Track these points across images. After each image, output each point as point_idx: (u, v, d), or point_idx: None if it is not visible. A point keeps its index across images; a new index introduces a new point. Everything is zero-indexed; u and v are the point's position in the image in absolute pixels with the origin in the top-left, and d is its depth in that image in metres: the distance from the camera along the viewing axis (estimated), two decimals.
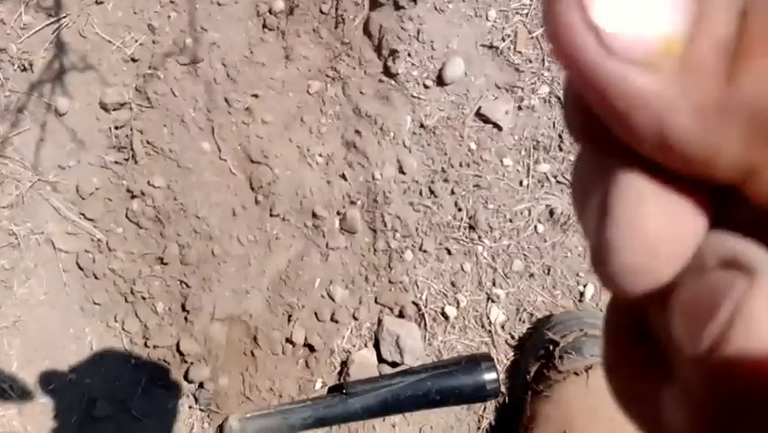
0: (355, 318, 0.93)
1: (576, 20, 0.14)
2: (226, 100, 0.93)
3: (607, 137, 0.15)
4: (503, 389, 0.92)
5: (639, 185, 0.15)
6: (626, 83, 0.14)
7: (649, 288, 0.15)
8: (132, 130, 0.91)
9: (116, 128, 0.91)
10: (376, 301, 0.94)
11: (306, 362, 0.93)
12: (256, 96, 0.94)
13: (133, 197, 0.91)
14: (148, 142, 0.91)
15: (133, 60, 0.92)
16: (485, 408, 0.94)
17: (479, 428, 0.94)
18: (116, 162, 0.92)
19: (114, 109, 0.91)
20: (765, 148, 0.13)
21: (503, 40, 0.96)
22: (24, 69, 0.92)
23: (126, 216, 0.92)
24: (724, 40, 0.13)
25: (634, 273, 0.15)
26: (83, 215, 0.91)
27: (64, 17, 0.92)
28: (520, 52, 0.97)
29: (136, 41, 0.92)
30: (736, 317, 0.13)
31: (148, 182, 0.91)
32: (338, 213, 0.94)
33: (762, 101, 0.13)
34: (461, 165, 0.95)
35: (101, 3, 0.92)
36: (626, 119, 0.14)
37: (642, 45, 0.14)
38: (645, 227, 0.15)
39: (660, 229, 0.15)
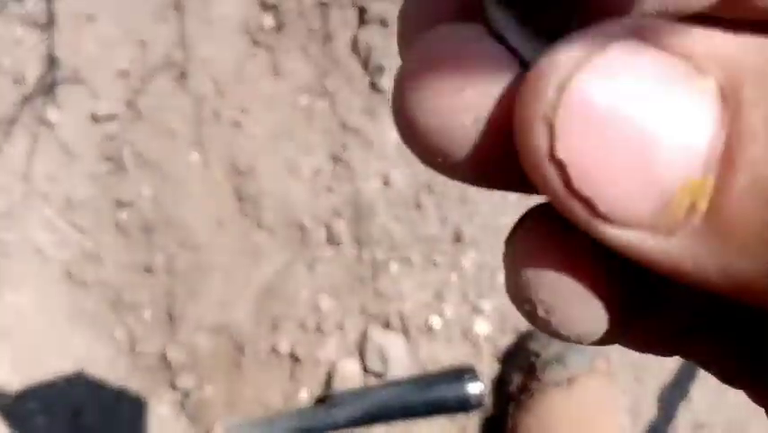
0: (341, 329, 0.94)
1: (542, 159, 0.11)
2: (214, 114, 0.95)
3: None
4: (486, 401, 0.93)
5: None
6: (625, 246, 0.11)
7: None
8: (121, 142, 0.93)
9: (106, 140, 0.93)
10: (361, 312, 0.95)
11: (292, 372, 0.93)
12: (244, 110, 0.95)
13: (122, 206, 0.93)
14: (137, 154, 0.93)
15: (124, 74, 0.94)
16: (469, 419, 0.95)
17: None
18: (106, 173, 0.93)
19: (105, 121, 0.93)
20: None
21: None
22: (17, 82, 0.93)
23: (115, 226, 0.93)
24: (764, 181, 0.10)
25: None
26: (72, 224, 0.92)
27: (56, 32, 0.94)
28: None
29: (127, 55, 0.94)
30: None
31: (136, 192, 0.92)
32: (324, 225, 0.95)
33: None
34: (446, 179, 0.97)
35: (93, 18, 0.94)
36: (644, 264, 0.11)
37: (647, 203, 0.10)
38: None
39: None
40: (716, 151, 0.10)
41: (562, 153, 0.10)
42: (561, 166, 0.10)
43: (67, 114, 0.94)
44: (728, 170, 0.10)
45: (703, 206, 0.10)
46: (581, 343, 0.13)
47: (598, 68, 0.10)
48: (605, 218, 0.10)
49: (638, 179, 0.10)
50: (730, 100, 0.10)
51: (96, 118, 0.93)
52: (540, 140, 0.10)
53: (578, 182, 0.10)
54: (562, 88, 0.10)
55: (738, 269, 0.10)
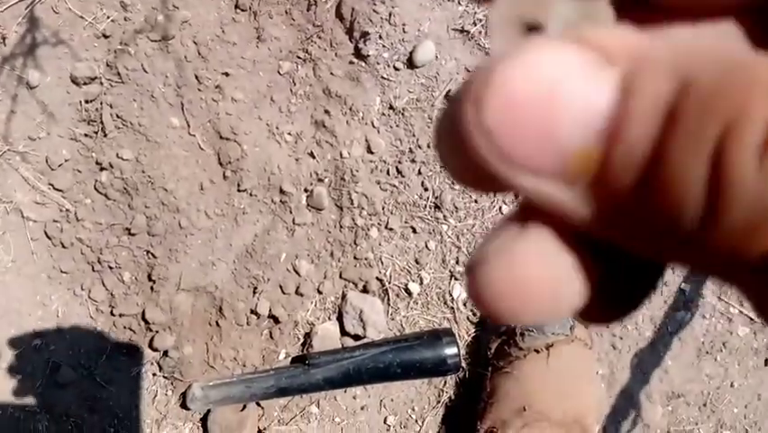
0: (320, 292, 0.95)
1: (473, 124, 0.13)
2: (197, 77, 0.94)
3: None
4: (464, 364, 0.94)
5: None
6: (537, 193, 0.14)
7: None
8: (101, 104, 0.93)
9: (86, 102, 0.93)
10: (340, 276, 0.95)
11: (271, 333, 0.94)
12: (226, 74, 0.95)
13: (102, 169, 0.93)
14: (117, 116, 0.93)
15: (105, 36, 0.93)
16: (445, 382, 0.96)
17: (438, 401, 0.96)
18: (86, 135, 0.93)
19: (85, 83, 0.92)
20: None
21: (474, 24, 0.98)
22: None
23: (95, 188, 0.93)
24: (638, 151, 0.12)
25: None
26: (52, 185, 0.92)
27: None
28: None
29: (108, 18, 0.93)
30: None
31: (117, 155, 0.92)
32: (305, 190, 0.95)
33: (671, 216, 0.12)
34: (428, 146, 0.97)
35: None
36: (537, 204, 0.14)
37: (551, 160, 0.13)
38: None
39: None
40: (607, 124, 0.13)
41: (487, 121, 0.13)
42: (487, 132, 0.13)
43: (47, 75, 0.93)
44: (611, 145, 0.13)
45: (592, 169, 0.13)
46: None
47: (516, 58, 0.13)
48: (518, 169, 0.13)
49: (542, 139, 0.13)
50: (626, 88, 0.13)
51: (76, 80, 0.93)
52: (473, 113, 0.13)
53: (500, 142, 0.13)
54: (490, 74, 0.13)
55: (611, 221, 0.13)
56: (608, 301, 0.16)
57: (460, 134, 0.14)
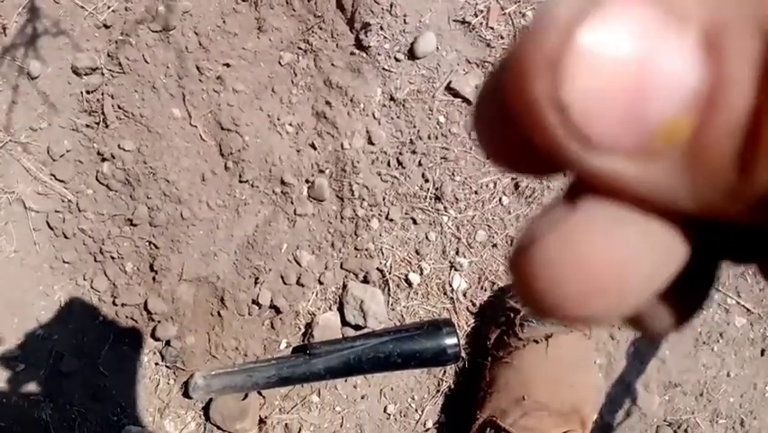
0: (320, 283, 0.96)
1: (544, 102, 0.12)
2: (198, 68, 0.94)
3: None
4: (463, 354, 0.94)
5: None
6: (610, 174, 0.12)
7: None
8: (103, 95, 0.93)
9: (88, 92, 0.93)
10: (341, 267, 0.96)
11: (272, 323, 0.95)
12: (227, 65, 0.95)
13: (104, 159, 0.93)
14: (119, 107, 0.93)
15: (106, 27, 0.93)
16: (445, 372, 0.97)
17: (438, 391, 0.97)
18: (87, 126, 0.93)
19: (86, 74, 0.92)
20: None
21: (475, 15, 0.98)
22: None
23: (96, 179, 0.93)
24: (740, 118, 0.11)
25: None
26: (53, 176, 0.92)
27: None
28: (492, 28, 0.99)
29: (108, 8, 0.93)
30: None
31: (118, 146, 0.92)
32: (307, 181, 0.96)
33: None
34: (429, 137, 0.97)
35: None
36: (610, 191, 0.12)
37: (634, 134, 0.11)
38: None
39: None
40: (699, 93, 0.11)
41: (566, 95, 0.11)
42: (561, 107, 0.11)
43: (48, 66, 0.93)
44: (709, 113, 0.11)
45: (683, 139, 0.11)
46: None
47: (596, 20, 0.11)
48: (595, 149, 0.12)
49: (628, 115, 0.11)
50: (714, 47, 0.11)
51: (77, 71, 0.93)
52: (544, 85, 0.11)
53: (577, 120, 0.11)
54: (566, 39, 0.11)
55: (705, 195, 0.12)
56: (676, 297, 0.14)
57: (517, 106, 0.12)
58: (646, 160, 0.12)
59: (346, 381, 0.94)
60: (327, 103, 0.96)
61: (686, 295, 0.14)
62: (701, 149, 0.11)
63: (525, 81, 0.12)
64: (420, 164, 0.97)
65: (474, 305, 0.97)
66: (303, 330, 0.96)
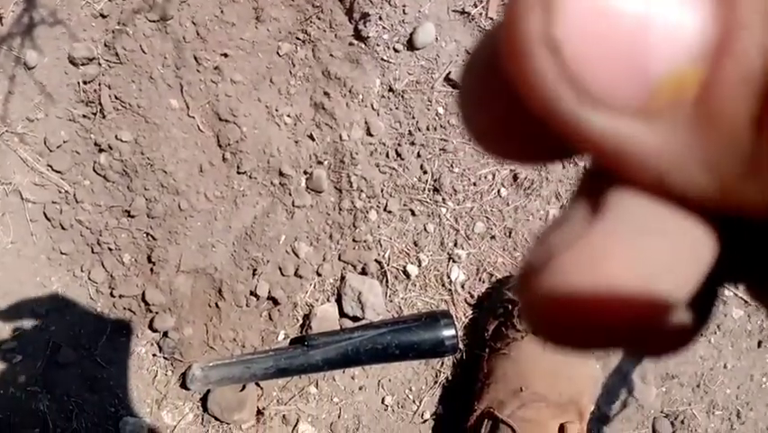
0: (318, 274, 0.96)
1: (536, 41, 0.10)
2: (195, 58, 0.94)
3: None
4: (461, 345, 0.95)
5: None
6: (611, 137, 0.10)
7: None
8: (100, 85, 0.92)
9: (85, 83, 0.92)
10: (339, 258, 0.96)
11: (270, 314, 0.95)
12: (225, 55, 0.95)
13: (101, 150, 0.92)
14: (116, 98, 0.92)
15: (102, 16, 0.92)
16: (443, 363, 0.97)
17: (436, 382, 0.97)
18: (84, 116, 0.93)
19: (83, 64, 0.92)
20: None
21: (475, 6, 0.98)
22: None
23: (94, 170, 0.93)
24: (756, 64, 0.10)
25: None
26: (50, 166, 0.92)
27: None
28: (492, 18, 0.99)
29: None
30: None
31: (115, 136, 0.92)
32: (305, 172, 0.95)
33: None
34: (428, 129, 0.97)
35: None
36: (612, 166, 0.11)
37: (636, 87, 0.10)
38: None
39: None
40: (708, 41, 0.10)
41: (559, 33, 0.10)
42: (555, 48, 0.10)
43: (45, 56, 0.92)
44: (720, 61, 0.10)
45: (690, 94, 0.10)
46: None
47: None
48: (592, 103, 0.10)
49: (629, 63, 0.10)
50: None
51: (74, 61, 0.92)
52: (536, 23, 0.10)
53: (571, 63, 0.10)
54: None
55: (719, 162, 0.10)
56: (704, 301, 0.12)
57: (507, 49, 0.11)
58: (651, 119, 0.10)
59: (344, 372, 0.94)
60: (326, 94, 0.96)
61: (693, 310, 0.13)
62: (712, 104, 0.10)
63: (516, 18, 0.10)
64: (419, 156, 0.97)
65: (472, 296, 0.97)
66: (301, 322, 0.96)
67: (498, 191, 0.98)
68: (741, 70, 0.10)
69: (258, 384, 0.93)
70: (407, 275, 0.96)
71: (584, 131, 0.11)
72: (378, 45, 0.96)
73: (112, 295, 0.93)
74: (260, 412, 0.94)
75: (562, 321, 0.11)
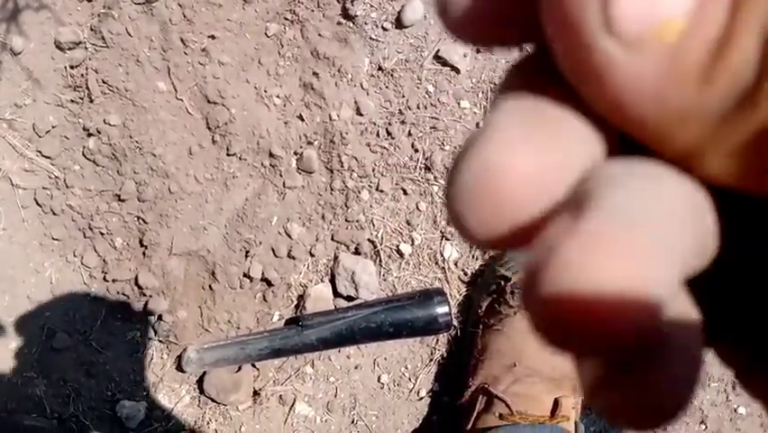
0: (312, 255, 0.96)
1: None
2: (182, 41, 0.93)
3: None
4: (455, 322, 0.95)
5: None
6: (605, 56, 0.12)
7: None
8: (87, 69, 0.92)
9: (72, 67, 0.92)
10: (332, 239, 0.96)
11: (264, 295, 0.95)
12: (213, 37, 0.94)
13: (90, 135, 0.92)
14: (103, 81, 0.92)
15: (88, 0, 0.92)
16: (438, 341, 0.97)
17: (431, 359, 0.98)
18: (72, 101, 0.92)
19: (69, 48, 0.91)
20: (719, 153, 0.12)
21: None
22: None
23: (83, 154, 0.92)
24: (716, 32, 0.11)
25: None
26: (40, 152, 0.92)
27: None
28: None
29: None
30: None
31: (104, 120, 0.91)
32: (295, 153, 0.95)
33: (725, 108, 0.12)
34: (418, 107, 0.97)
35: None
36: (587, 81, 0.12)
37: (640, 23, 0.12)
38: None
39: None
40: (698, 3, 0.11)
41: None
42: None
43: (31, 41, 0.92)
44: (696, 23, 0.11)
45: (672, 40, 0.12)
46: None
47: None
48: (608, 27, 0.12)
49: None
50: None
51: (60, 45, 0.91)
52: None
53: None
54: None
55: (670, 101, 0.12)
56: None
57: None
58: (640, 50, 0.12)
59: (339, 351, 0.95)
60: (315, 74, 0.96)
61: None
62: (681, 52, 0.12)
63: None
64: (409, 134, 0.96)
65: (466, 274, 0.97)
66: (295, 302, 0.96)
67: None
68: (705, 36, 0.11)
69: (254, 365, 0.93)
70: (401, 254, 0.96)
71: (584, 45, 0.12)
72: (366, 24, 0.95)
73: (105, 279, 0.93)
74: (256, 393, 0.94)
75: (566, 324, 0.11)
